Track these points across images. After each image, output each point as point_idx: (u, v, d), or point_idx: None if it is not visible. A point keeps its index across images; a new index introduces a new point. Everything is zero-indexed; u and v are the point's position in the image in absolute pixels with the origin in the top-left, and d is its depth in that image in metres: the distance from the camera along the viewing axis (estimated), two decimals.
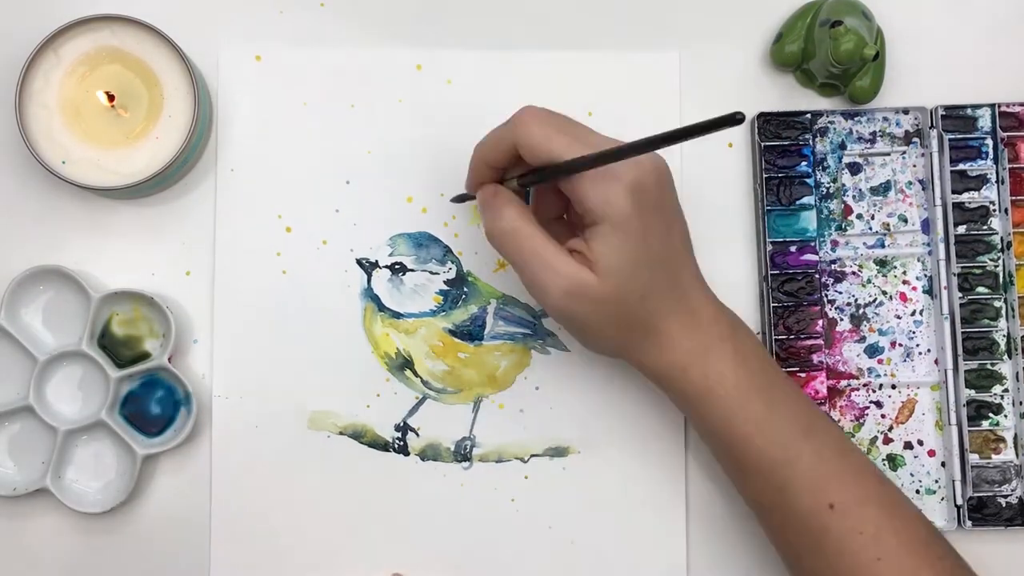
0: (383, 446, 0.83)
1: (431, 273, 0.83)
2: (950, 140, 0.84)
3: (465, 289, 0.84)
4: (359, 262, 0.83)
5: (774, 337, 0.83)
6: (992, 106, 0.85)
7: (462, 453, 0.83)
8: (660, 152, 0.69)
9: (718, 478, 0.84)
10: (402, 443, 0.83)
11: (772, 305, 0.84)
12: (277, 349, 0.83)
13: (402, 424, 0.83)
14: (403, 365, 0.83)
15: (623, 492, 0.84)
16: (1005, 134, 0.85)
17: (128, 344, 0.82)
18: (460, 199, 0.81)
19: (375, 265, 0.83)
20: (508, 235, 0.72)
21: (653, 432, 0.84)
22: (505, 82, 0.85)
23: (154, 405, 0.82)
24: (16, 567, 0.82)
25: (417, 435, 0.83)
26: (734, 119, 0.58)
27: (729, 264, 0.85)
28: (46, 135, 0.80)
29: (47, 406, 0.82)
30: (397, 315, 0.83)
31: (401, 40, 0.85)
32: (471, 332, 0.83)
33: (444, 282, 0.83)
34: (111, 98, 0.80)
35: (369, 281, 0.83)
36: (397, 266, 0.83)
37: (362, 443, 0.83)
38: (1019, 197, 0.84)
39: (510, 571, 0.83)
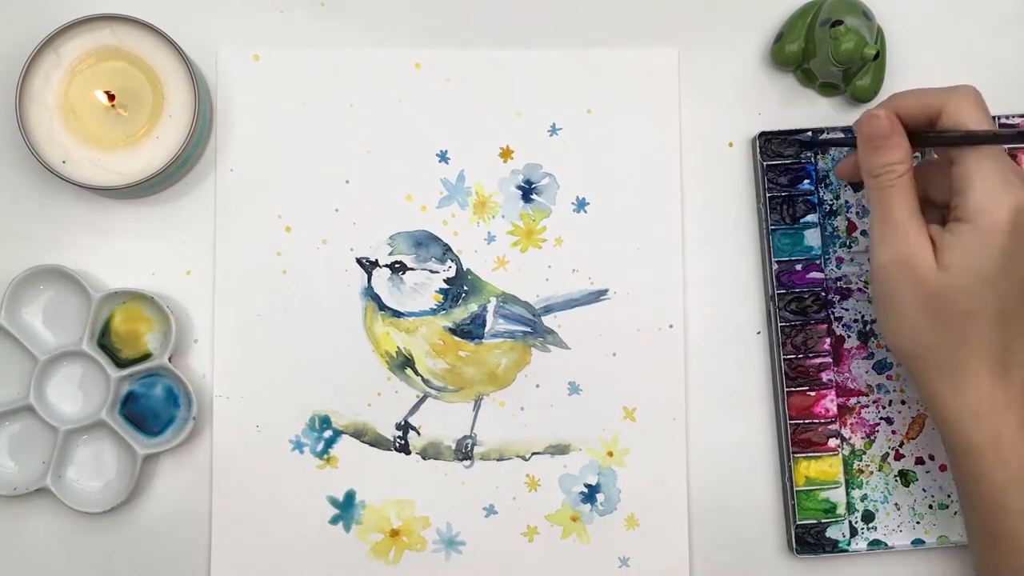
0: (384, 445, 0.83)
1: (431, 272, 0.83)
2: None
3: (465, 287, 0.84)
4: (359, 261, 0.83)
5: (783, 356, 0.83)
6: (993, 119, 0.84)
7: (463, 452, 0.83)
8: None
9: (719, 474, 0.84)
10: (403, 442, 0.83)
11: (780, 324, 0.83)
12: (278, 349, 0.83)
13: (403, 423, 0.83)
14: (404, 364, 0.83)
15: (624, 489, 0.84)
16: (1007, 147, 0.84)
17: (128, 344, 0.82)
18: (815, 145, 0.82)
19: (375, 264, 0.83)
20: (880, 172, 0.71)
21: (654, 429, 0.84)
22: (504, 80, 0.85)
23: (154, 405, 0.82)
24: (16, 567, 0.82)
25: (418, 434, 0.83)
26: None
27: (731, 270, 0.85)
28: (46, 135, 0.80)
29: (47, 406, 0.82)
30: (397, 314, 0.83)
31: (399, 39, 0.85)
32: (471, 330, 0.83)
33: (444, 280, 0.83)
34: (111, 98, 0.80)
35: (369, 280, 0.83)
36: (397, 265, 0.83)
37: (363, 442, 0.83)
38: None
39: (513, 570, 0.83)
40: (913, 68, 0.86)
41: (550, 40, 0.85)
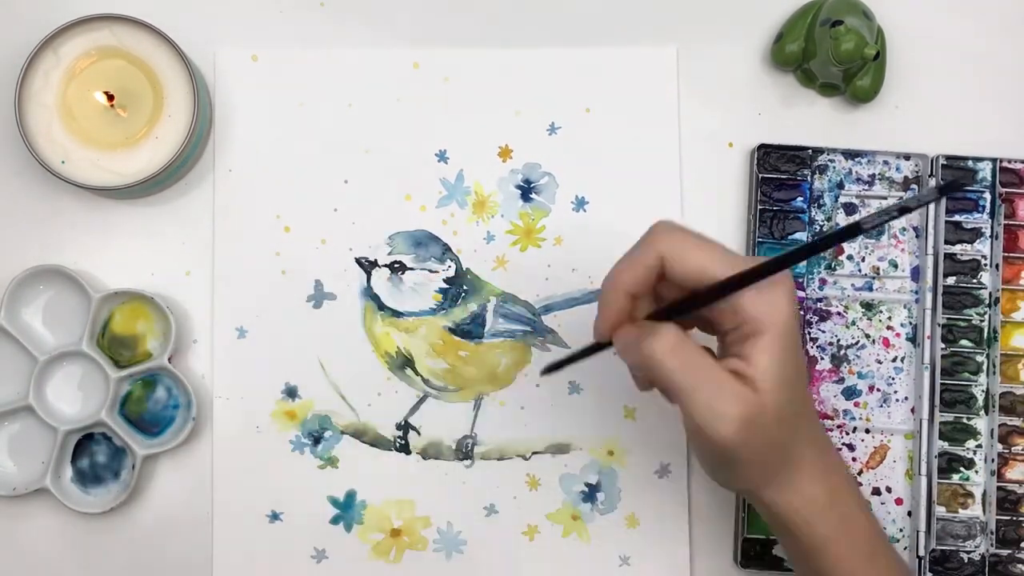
0: (385, 445, 0.83)
1: (430, 271, 0.83)
2: None
3: (464, 287, 0.84)
4: (358, 261, 0.83)
5: None
6: (993, 160, 0.84)
7: (464, 451, 0.83)
8: None
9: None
10: (403, 442, 0.83)
11: None
12: (277, 349, 0.83)
13: (403, 423, 0.83)
14: (404, 364, 0.83)
15: (625, 489, 0.84)
16: (1004, 190, 0.84)
17: (128, 344, 0.82)
18: (556, 367, 0.73)
19: (374, 264, 0.83)
20: (674, 353, 0.63)
21: (655, 429, 0.84)
22: (502, 79, 0.85)
23: (154, 405, 0.82)
24: (16, 567, 0.83)
25: (418, 434, 0.83)
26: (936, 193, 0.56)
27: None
28: (46, 135, 0.80)
29: (47, 406, 0.82)
30: (397, 314, 0.83)
31: (398, 39, 0.85)
32: (471, 330, 0.83)
33: (443, 280, 0.83)
34: (110, 98, 0.80)
35: (369, 280, 0.83)
36: (396, 265, 0.83)
37: (363, 442, 0.83)
38: (1012, 254, 0.84)
39: (514, 569, 0.83)
40: (913, 68, 0.86)
41: (548, 39, 0.85)
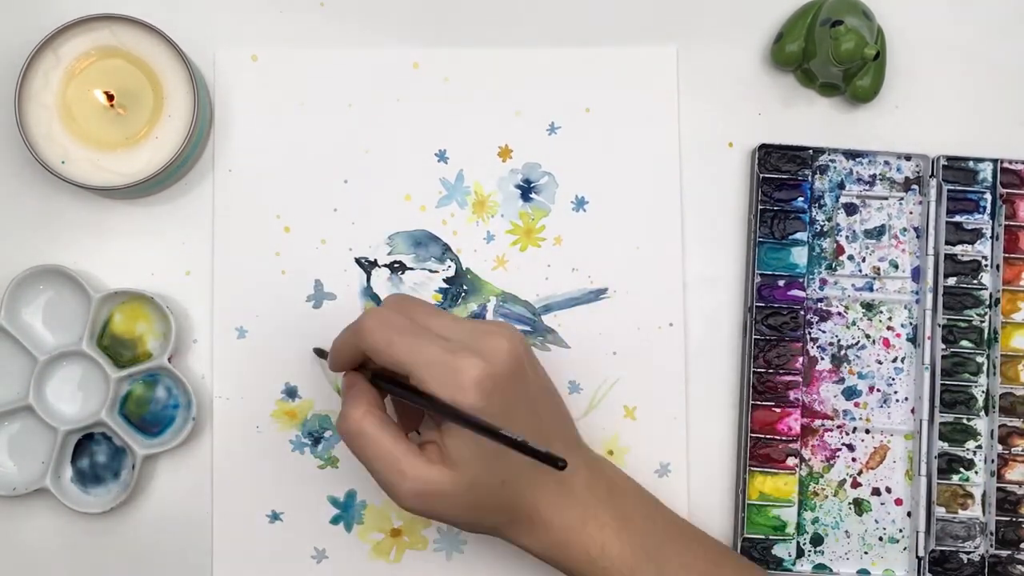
0: None
1: (430, 271, 0.83)
2: (949, 191, 0.84)
3: (464, 287, 0.84)
4: (358, 261, 0.83)
5: (752, 370, 0.83)
6: (995, 161, 0.84)
7: None
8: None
9: (717, 469, 0.84)
10: None
11: (754, 337, 0.83)
12: (277, 349, 0.83)
13: None
14: None
15: None
16: (1005, 191, 0.84)
17: (128, 344, 0.82)
18: (322, 354, 0.81)
19: (374, 264, 0.83)
20: (352, 436, 0.70)
21: (654, 428, 0.84)
22: (502, 79, 0.85)
23: (154, 405, 0.82)
24: (16, 567, 0.83)
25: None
26: (555, 462, 0.60)
27: (731, 268, 0.85)
28: (46, 135, 0.80)
29: (47, 406, 0.82)
30: None
31: (398, 39, 0.85)
32: None
33: (443, 280, 0.83)
34: (110, 98, 0.80)
35: (368, 280, 0.83)
36: (396, 265, 0.83)
37: None
38: (1012, 255, 0.84)
39: (514, 569, 0.83)
40: (913, 68, 0.86)
41: (548, 39, 0.85)
